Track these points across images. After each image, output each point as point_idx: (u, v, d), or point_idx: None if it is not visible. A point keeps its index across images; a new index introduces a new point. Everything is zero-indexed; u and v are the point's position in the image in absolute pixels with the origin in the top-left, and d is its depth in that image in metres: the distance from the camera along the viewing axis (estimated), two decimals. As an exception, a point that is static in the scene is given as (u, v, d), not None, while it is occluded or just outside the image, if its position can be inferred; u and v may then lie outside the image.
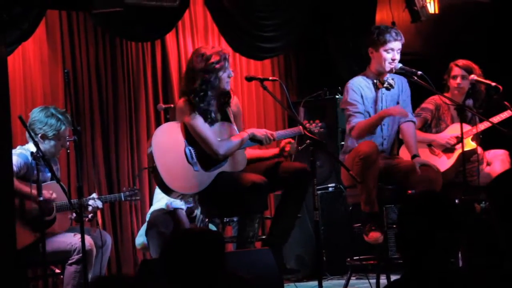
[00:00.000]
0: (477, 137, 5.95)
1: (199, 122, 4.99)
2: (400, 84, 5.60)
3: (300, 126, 5.05)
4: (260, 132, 5.13)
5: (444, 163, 5.86)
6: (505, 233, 2.57)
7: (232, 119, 5.18)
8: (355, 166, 5.15)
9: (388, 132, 5.56)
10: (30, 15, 5.50)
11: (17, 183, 4.86)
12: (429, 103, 6.06)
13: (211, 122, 5.03)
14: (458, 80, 6.01)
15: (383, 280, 5.34)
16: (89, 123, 6.51)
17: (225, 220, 5.53)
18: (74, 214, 5.04)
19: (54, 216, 5.07)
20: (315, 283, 5.13)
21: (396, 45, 5.46)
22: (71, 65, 6.40)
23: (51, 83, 6.33)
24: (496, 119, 5.88)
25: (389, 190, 5.48)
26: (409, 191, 5.36)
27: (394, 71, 5.50)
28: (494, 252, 3.60)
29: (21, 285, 5.02)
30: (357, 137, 5.42)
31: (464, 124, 5.56)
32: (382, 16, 7.65)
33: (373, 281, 5.30)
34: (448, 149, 5.93)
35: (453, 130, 5.93)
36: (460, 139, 5.58)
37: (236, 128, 5.15)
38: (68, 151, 5.07)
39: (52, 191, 4.99)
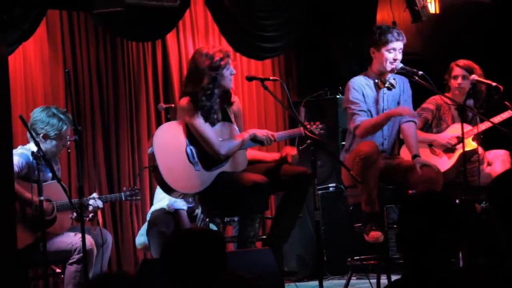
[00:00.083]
0: (477, 137, 5.95)
1: (201, 122, 4.99)
2: (402, 84, 5.59)
3: (301, 127, 5.05)
4: (261, 133, 5.13)
5: (444, 163, 5.85)
6: (506, 233, 2.58)
7: (232, 119, 5.18)
8: (356, 166, 5.14)
9: (389, 132, 5.55)
10: (30, 15, 5.50)
11: (17, 187, 4.86)
12: (430, 103, 6.06)
13: (213, 121, 5.03)
14: (459, 80, 6.01)
15: (383, 280, 5.34)
16: (90, 122, 6.50)
17: (226, 220, 5.54)
18: (75, 214, 5.06)
19: (55, 215, 5.07)
20: (316, 283, 5.14)
21: (398, 45, 5.46)
22: (72, 65, 6.39)
23: (51, 83, 6.32)
24: (497, 119, 5.88)
25: (389, 190, 5.48)
26: (410, 191, 5.36)
27: (395, 71, 5.50)
28: (495, 252, 3.60)
29: (22, 285, 5.01)
30: (361, 136, 5.39)
31: (465, 124, 5.56)
32: (383, 16, 7.65)
33: (374, 281, 5.29)
34: (448, 149, 5.93)
35: (453, 130, 5.93)
36: (460, 139, 5.57)
37: (236, 128, 5.16)
38: (69, 150, 5.07)
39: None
